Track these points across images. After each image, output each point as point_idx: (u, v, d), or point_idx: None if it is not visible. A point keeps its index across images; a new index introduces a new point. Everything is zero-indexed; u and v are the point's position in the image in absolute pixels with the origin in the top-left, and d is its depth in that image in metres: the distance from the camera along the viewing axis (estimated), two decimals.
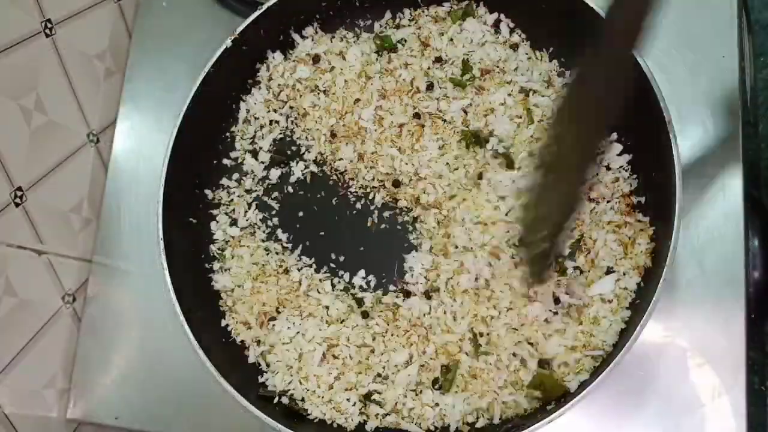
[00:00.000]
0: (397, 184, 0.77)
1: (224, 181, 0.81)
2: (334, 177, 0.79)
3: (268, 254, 0.78)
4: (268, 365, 0.75)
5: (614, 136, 0.72)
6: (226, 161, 0.82)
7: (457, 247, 0.73)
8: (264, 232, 0.79)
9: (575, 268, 0.70)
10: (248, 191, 0.81)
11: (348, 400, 0.71)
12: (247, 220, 0.79)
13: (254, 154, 0.81)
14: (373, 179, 0.78)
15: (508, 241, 0.71)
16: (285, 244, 0.78)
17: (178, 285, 0.71)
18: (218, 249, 0.79)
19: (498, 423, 0.68)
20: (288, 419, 0.69)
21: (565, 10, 0.71)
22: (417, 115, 0.77)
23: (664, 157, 0.65)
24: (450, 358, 0.70)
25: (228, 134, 0.82)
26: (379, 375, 0.72)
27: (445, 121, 0.77)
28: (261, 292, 0.76)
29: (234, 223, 0.80)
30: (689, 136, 0.74)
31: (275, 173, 0.80)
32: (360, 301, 0.74)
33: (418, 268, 0.74)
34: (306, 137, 0.81)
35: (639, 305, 0.66)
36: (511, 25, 0.78)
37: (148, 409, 0.81)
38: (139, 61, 0.91)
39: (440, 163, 0.75)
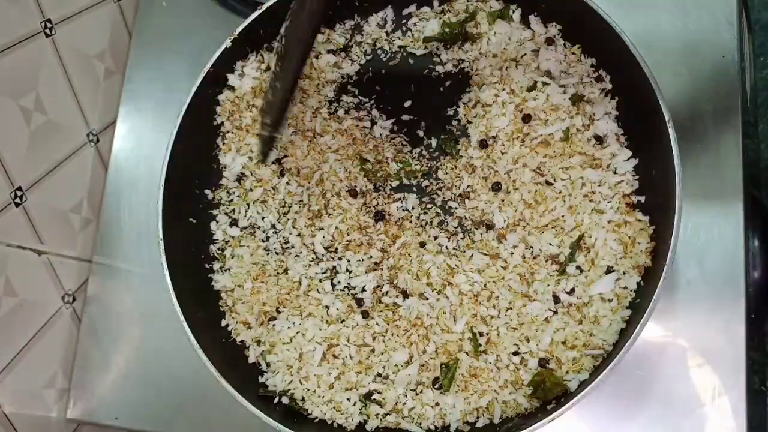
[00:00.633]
0: None
1: (224, 181, 0.81)
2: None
3: (268, 254, 0.78)
4: (268, 365, 0.75)
5: (624, 141, 0.72)
6: (226, 161, 0.82)
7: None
8: (264, 231, 0.79)
9: (576, 267, 0.70)
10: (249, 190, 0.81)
11: (348, 399, 0.71)
12: (247, 220, 0.79)
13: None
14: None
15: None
16: (284, 245, 0.78)
17: (178, 285, 0.71)
18: (218, 249, 0.79)
19: (498, 422, 0.68)
20: (288, 419, 0.69)
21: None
22: None
23: (664, 157, 0.65)
24: (450, 357, 0.70)
25: (228, 134, 0.82)
26: (379, 375, 0.72)
27: None
28: (261, 292, 0.76)
29: (234, 223, 0.80)
30: (689, 136, 0.74)
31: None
32: (360, 301, 0.74)
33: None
34: None
35: (639, 304, 0.66)
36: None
37: (148, 409, 0.82)
38: (139, 61, 0.91)
39: None
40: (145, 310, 0.84)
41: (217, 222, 0.80)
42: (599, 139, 0.73)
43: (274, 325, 0.75)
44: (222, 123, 0.81)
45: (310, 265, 0.76)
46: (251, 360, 0.75)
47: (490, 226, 0.74)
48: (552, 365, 0.68)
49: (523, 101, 0.75)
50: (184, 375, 0.80)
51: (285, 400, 0.72)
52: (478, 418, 0.69)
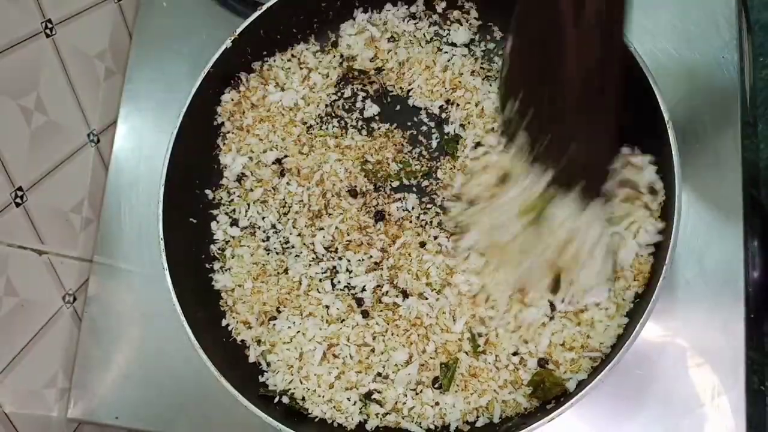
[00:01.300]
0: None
1: (224, 181, 0.81)
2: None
3: (268, 254, 0.78)
4: (268, 365, 0.75)
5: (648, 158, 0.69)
6: (226, 161, 0.82)
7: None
8: (264, 231, 0.79)
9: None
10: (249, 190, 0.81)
11: (348, 399, 0.71)
12: (247, 220, 0.79)
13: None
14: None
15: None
16: (284, 245, 0.78)
17: (178, 285, 0.71)
18: (218, 249, 0.79)
19: (498, 422, 0.68)
20: (289, 419, 0.69)
21: None
22: None
23: (664, 157, 0.65)
24: (449, 357, 0.71)
25: (229, 134, 0.82)
26: (379, 374, 0.72)
27: None
28: (261, 292, 0.76)
29: (234, 223, 0.80)
30: (689, 137, 0.74)
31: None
32: (360, 301, 0.74)
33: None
34: None
35: (638, 304, 0.67)
36: None
37: (148, 408, 0.82)
38: (139, 61, 0.91)
39: None
40: (145, 310, 0.84)
41: (218, 222, 0.80)
42: None
43: (274, 324, 0.75)
44: (222, 123, 0.81)
45: (310, 264, 0.76)
46: (251, 360, 0.75)
47: None
48: (551, 366, 0.68)
49: None
50: (184, 375, 0.80)
51: (285, 399, 0.72)
52: (477, 417, 0.69)
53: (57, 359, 0.82)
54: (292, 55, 0.82)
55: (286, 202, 0.78)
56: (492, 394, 0.69)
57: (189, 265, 0.77)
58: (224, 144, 0.81)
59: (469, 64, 0.78)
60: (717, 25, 0.77)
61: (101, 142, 0.88)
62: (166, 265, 0.72)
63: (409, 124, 0.79)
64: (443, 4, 0.80)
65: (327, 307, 0.75)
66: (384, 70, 0.80)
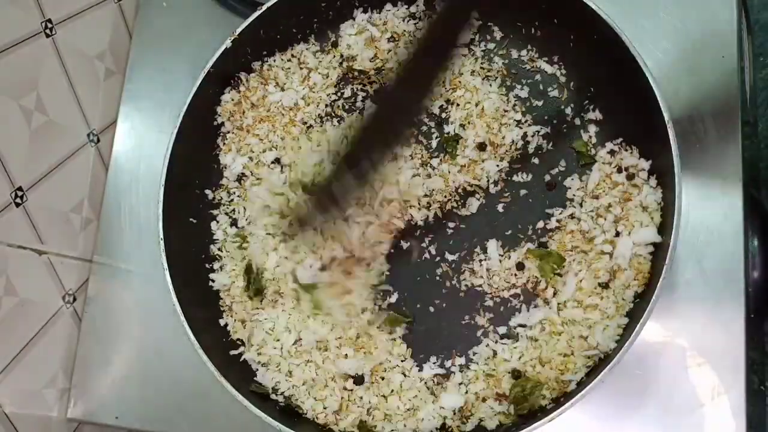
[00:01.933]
0: None
1: (224, 181, 0.81)
2: None
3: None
4: (259, 363, 0.75)
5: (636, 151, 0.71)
6: (226, 161, 0.82)
7: None
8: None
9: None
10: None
11: (337, 396, 0.71)
12: (247, 220, 0.79)
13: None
14: None
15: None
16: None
17: (178, 285, 0.71)
18: (218, 249, 0.79)
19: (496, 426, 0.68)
20: (288, 418, 0.69)
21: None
22: None
23: (664, 157, 0.65)
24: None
25: (229, 134, 0.82)
26: (371, 372, 0.72)
27: None
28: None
29: (234, 223, 0.80)
30: (689, 136, 0.74)
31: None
32: None
33: None
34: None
35: (638, 304, 0.66)
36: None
37: (148, 409, 0.82)
38: (139, 61, 0.91)
39: None
40: (145, 310, 0.84)
41: (218, 222, 0.80)
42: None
43: (261, 322, 0.75)
44: (222, 123, 0.81)
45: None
46: (242, 358, 0.75)
47: None
48: (545, 368, 0.68)
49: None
50: (184, 374, 0.80)
51: (281, 399, 0.72)
52: (473, 416, 0.69)
53: (57, 359, 0.82)
54: (292, 55, 0.82)
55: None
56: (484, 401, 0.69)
57: (189, 265, 0.77)
58: (224, 144, 0.81)
59: (469, 64, 0.78)
60: (717, 25, 0.77)
61: (101, 142, 0.88)
62: (166, 265, 0.72)
63: None
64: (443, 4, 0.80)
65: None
66: (384, 70, 0.80)
